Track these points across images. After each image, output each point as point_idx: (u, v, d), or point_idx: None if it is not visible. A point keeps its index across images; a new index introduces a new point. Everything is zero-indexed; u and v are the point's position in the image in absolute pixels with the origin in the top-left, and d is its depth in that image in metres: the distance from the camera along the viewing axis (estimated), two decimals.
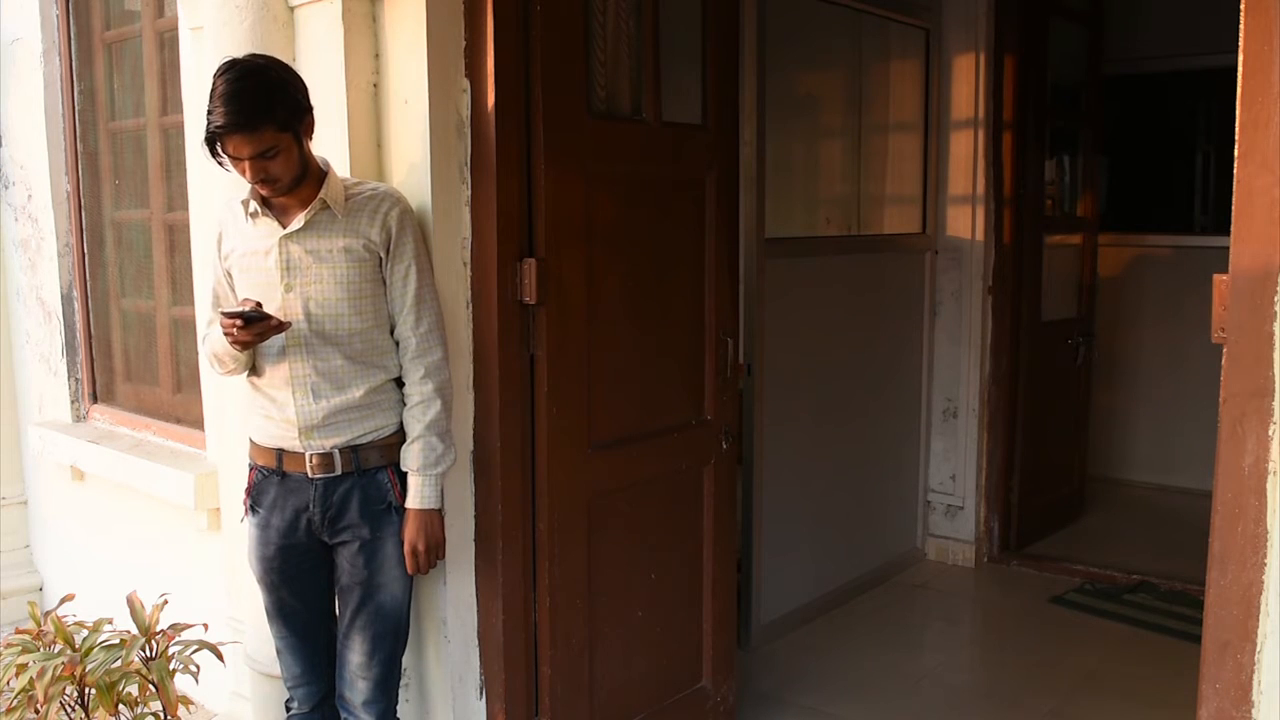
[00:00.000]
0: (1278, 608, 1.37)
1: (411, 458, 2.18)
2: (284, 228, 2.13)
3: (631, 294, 2.64)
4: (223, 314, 2.08)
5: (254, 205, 2.14)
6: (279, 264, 2.14)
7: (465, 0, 2.33)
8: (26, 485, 4.09)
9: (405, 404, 2.21)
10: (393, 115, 2.39)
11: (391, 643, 2.26)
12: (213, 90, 2.00)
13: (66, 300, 3.73)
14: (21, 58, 3.77)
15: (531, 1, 2.34)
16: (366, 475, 2.19)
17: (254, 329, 2.05)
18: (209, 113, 2.00)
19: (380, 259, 2.17)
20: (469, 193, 2.38)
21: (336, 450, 2.16)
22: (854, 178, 4.30)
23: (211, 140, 2.01)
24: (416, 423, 2.18)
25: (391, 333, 2.22)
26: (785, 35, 3.63)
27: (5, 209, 3.98)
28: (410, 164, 2.36)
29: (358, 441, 2.18)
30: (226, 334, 2.07)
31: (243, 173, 2.05)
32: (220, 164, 2.07)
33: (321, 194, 2.12)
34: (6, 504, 4.06)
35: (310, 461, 2.16)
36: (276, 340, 2.14)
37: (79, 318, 3.72)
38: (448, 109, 2.34)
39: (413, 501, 2.19)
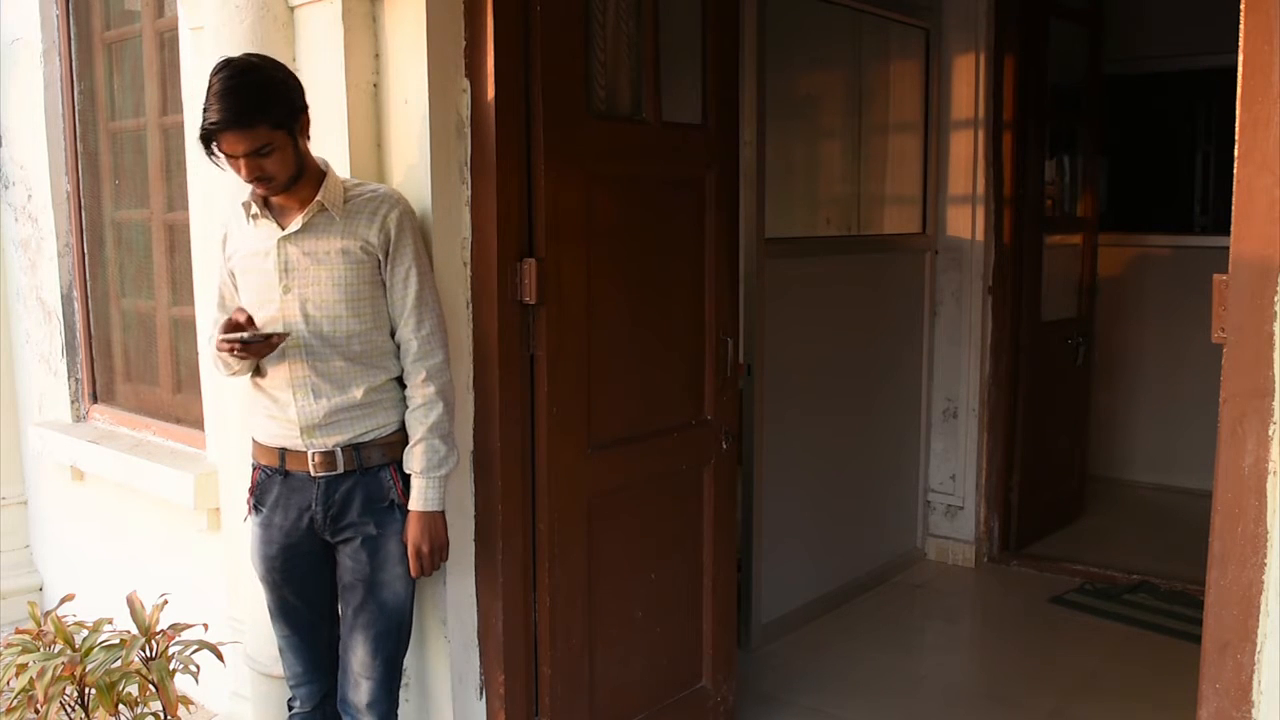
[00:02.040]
0: (1278, 608, 1.37)
1: (414, 460, 2.18)
2: (283, 229, 2.14)
3: (631, 294, 2.64)
4: (222, 336, 2.08)
5: (255, 207, 2.15)
6: (277, 266, 2.14)
7: (465, 0, 2.33)
8: (26, 485, 4.09)
9: (408, 406, 2.21)
10: (393, 115, 2.39)
11: (394, 642, 2.26)
12: (208, 89, 2.01)
13: (66, 300, 3.73)
14: (21, 58, 3.77)
15: (531, 1, 2.34)
16: (369, 473, 2.19)
17: (254, 349, 2.08)
18: (204, 110, 2.01)
19: (379, 261, 2.17)
20: (469, 193, 2.38)
21: (338, 448, 2.17)
22: (854, 178, 4.30)
23: (206, 138, 2.02)
24: (419, 425, 2.18)
25: (393, 334, 2.22)
26: (785, 35, 3.63)
27: (5, 209, 3.98)
28: (410, 164, 2.36)
29: (359, 440, 2.18)
30: (224, 352, 2.10)
31: (238, 171, 2.05)
32: (216, 163, 2.08)
33: (319, 196, 2.12)
34: (6, 504, 4.06)
35: (313, 460, 2.17)
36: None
37: (79, 318, 3.72)
38: (448, 109, 2.34)
39: (416, 504, 2.19)
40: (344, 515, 2.19)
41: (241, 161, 2.02)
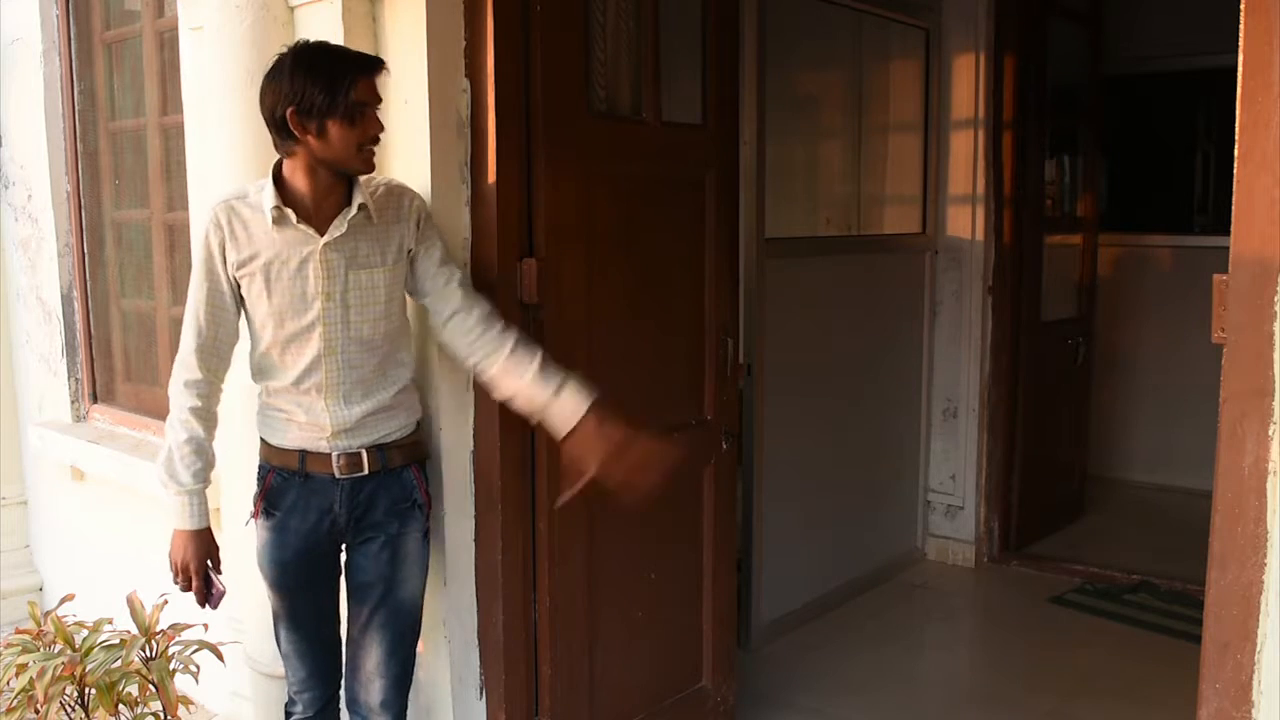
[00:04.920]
0: (1278, 608, 1.37)
1: (537, 380, 2.11)
2: (319, 234, 2.06)
3: (631, 294, 2.64)
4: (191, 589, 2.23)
5: (281, 212, 2.04)
6: (317, 272, 2.06)
7: (465, 0, 2.33)
8: (26, 485, 4.09)
9: (487, 331, 2.15)
10: (393, 115, 2.39)
11: (410, 641, 2.25)
12: (310, 61, 1.97)
13: (66, 300, 3.73)
14: (21, 58, 3.77)
15: (531, 1, 2.34)
16: (392, 474, 2.18)
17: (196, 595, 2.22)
18: (331, 68, 1.96)
19: (408, 252, 2.17)
20: (469, 193, 2.38)
21: (364, 450, 2.15)
22: (854, 178, 4.30)
23: (343, 83, 1.96)
24: (524, 352, 2.14)
25: (406, 330, 2.23)
26: (785, 35, 3.63)
27: (5, 209, 3.98)
28: (410, 164, 2.36)
29: (384, 441, 2.17)
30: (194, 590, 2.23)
31: (364, 129, 2.01)
32: (306, 129, 1.97)
33: (359, 198, 2.07)
34: (6, 504, 4.06)
35: (337, 462, 2.14)
36: (310, 350, 2.10)
37: (79, 318, 3.72)
38: (448, 109, 2.34)
39: (568, 405, 2.10)
40: (368, 516, 2.18)
41: (374, 113, 2.02)
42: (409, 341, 2.24)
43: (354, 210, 2.06)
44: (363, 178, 2.17)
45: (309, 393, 2.13)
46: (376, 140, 2.06)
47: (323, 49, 2.04)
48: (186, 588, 2.22)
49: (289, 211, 2.04)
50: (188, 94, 2.93)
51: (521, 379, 2.13)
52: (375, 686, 2.22)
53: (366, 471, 2.16)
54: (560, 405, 2.11)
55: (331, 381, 2.11)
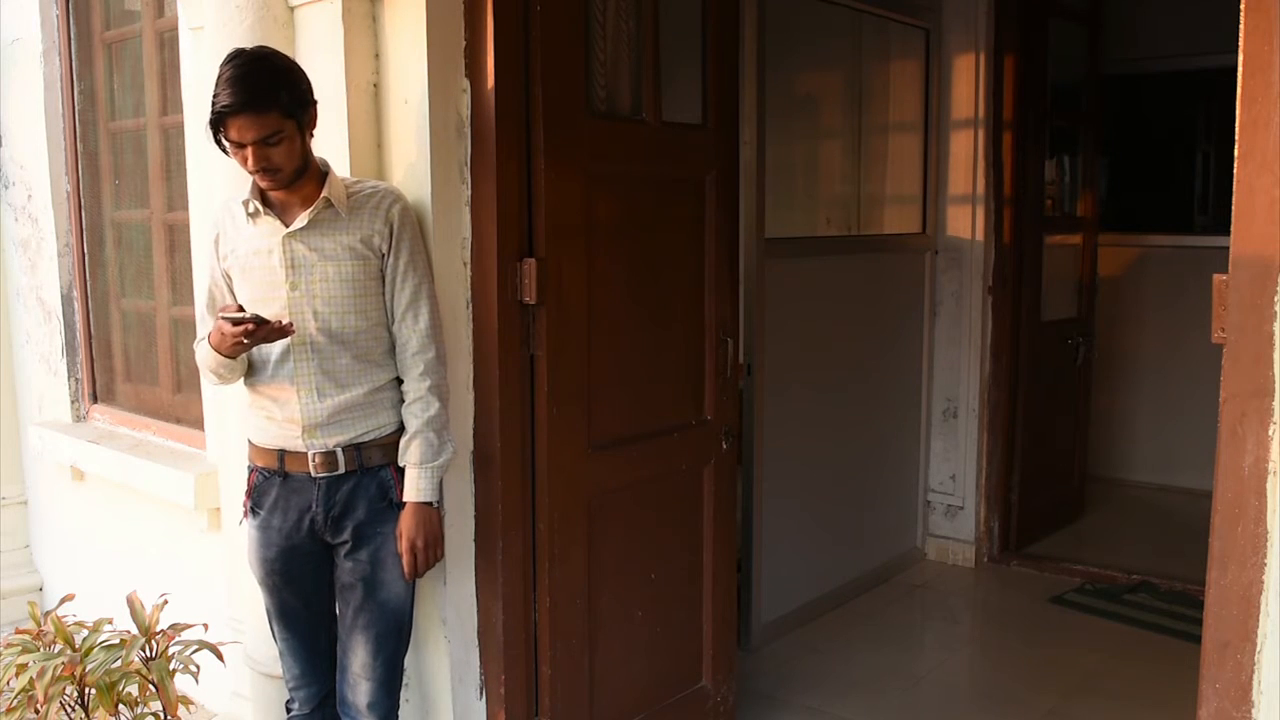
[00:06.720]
0: (1278, 608, 1.37)
1: (411, 452, 2.17)
2: (286, 226, 2.13)
3: (631, 294, 2.64)
4: (229, 317, 2.02)
5: (254, 205, 2.13)
6: (283, 262, 2.13)
7: (465, 0, 2.33)
8: (26, 485, 4.09)
9: (404, 400, 2.20)
10: (393, 115, 2.39)
11: (395, 641, 2.25)
12: (219, 77, 2.00)
13: (66, 300, 3.73)
14: (21, 58, 3.77)
15: (531, 1, 2.34)
16: (369, 474, 2.19)
17: (260, 332, 2.03)
18: (214, 97, 1.99)
19: (382, 256, 2.17)
20: (469, 193, 2.38)
21: (339, 449, 2.16)
22: (854, 178, 4.30)
23: (216, 123, 2.00)
24: (415, 419, 2.17)
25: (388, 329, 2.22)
26: (785, 35, 3.63)
27: (5, 209, 3.98)
28: (410, 164, 2.36)
29: (360, 440, 2.18)
30: (235, 338, 2.02)
31: (243, 162, 2.04)
32: (225, 151, 2.07)
33: (325, 192, 2.11)
34: (6, 504, 4.06)
35: (313, 461, 2.16)
36: (280, 341, 2.14)
37: (79, 318, 3.72)
38: (448, 109, 2.34)
39: (410, 494, 2.17)
40: (345, 516, 2.19)
41: (250, 150, 2.01)
42: (390, 342, 2.22)
43: (319, 204, 2.11)
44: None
45: (283, 385, 2.16)
46: (267, 171, 2.04)
47: (222, 75, 2.00)
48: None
49: (255, 203, 2.13)
50: (188, 94, 2.94)
51: (405, 430, 2.19)
52: (362, 688, 2.23)
53: (342, 470, 2.17)
54: (409, 477, 2.18)
55: (302, 372, 2.15)
